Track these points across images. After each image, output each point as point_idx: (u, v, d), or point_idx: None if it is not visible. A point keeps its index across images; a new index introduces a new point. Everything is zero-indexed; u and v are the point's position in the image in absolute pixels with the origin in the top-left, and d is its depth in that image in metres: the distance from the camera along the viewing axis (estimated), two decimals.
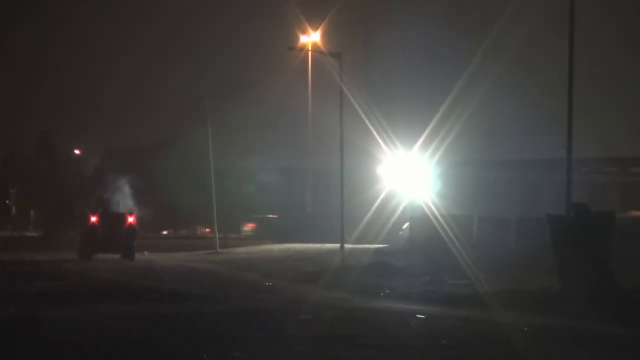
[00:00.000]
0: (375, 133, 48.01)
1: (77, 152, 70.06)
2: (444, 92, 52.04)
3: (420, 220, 37.83)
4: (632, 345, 15.74)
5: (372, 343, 15.07)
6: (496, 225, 37.96)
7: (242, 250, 47.22)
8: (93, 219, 40.05)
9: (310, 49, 55.72)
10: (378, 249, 42.59)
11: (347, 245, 41.30)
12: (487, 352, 14.45)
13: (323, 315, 19.35)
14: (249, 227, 64.11)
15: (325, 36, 56.84)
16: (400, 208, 48.09)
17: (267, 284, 29.09)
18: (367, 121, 46.58)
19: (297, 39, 57.24)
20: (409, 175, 51.29)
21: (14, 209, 71.30)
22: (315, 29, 56.83)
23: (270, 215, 62.89)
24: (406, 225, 45.71)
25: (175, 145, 63.86)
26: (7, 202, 71.28)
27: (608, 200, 51.92)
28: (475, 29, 69.67)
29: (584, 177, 51.39)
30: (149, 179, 62.46)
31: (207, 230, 60.44)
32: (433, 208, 38.05)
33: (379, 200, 49.07)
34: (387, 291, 25.01)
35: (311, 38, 56.65)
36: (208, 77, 72.34)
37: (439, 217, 34.45)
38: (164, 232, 69.94)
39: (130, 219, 40.65)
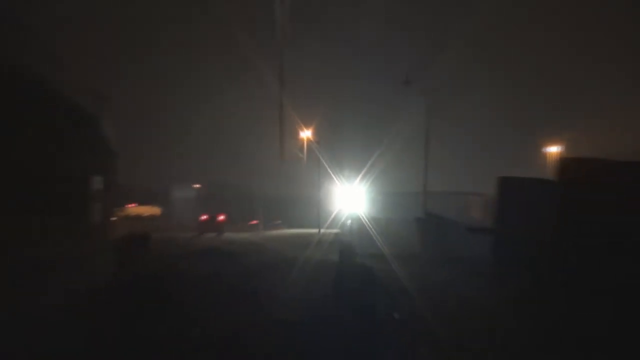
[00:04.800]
0: None
1: None
2: None
3: (357, 219, 44.94)
4: None
5: None
6: (399, 222, 44.45)
7: None
8: None
9: None
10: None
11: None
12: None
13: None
14: None
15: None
16: (345, 216, 58.79)
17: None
18: None
19: None
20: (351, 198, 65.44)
21: None
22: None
23: None
24: (350, 221, 51.10)
25: None
26: None
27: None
28: None
29: None
30: None
31: None
32: (364, 215, 48.10)
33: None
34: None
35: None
36: None
37: (367, 219, 44.21)
38: None
39: None
